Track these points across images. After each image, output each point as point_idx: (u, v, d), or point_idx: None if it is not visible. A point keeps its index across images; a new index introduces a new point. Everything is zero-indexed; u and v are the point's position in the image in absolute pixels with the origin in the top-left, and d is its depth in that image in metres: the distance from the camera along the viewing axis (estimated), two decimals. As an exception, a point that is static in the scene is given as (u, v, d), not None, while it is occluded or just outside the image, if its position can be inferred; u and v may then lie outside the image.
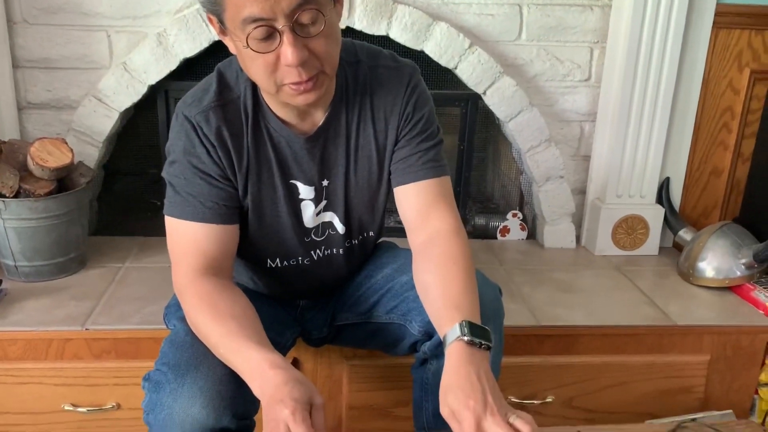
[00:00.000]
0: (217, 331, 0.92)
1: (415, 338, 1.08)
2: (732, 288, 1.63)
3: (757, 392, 1.56)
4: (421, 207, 1.05)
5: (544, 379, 1.46)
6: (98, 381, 1.35)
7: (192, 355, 0.93)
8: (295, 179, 1.05)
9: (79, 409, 1.34)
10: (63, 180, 1.51)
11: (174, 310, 1.08)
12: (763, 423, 1.53)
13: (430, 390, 1.08)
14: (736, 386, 1.54)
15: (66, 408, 1.34)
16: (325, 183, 1.06)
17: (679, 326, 1.48)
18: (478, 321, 0.89)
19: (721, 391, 1.54)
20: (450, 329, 0.86)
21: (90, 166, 1.61)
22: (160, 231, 1.01)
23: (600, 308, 1.53)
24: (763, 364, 1.54)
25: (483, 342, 0.85)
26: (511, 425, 0.78)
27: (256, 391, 0.86)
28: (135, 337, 1.34)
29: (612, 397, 1.49)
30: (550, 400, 1.47)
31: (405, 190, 1.06)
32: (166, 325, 1.10)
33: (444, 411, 0.82)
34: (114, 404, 1.36)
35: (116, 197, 1.87)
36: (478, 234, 1.93)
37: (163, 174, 1.01)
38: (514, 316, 1.46)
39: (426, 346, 1.06)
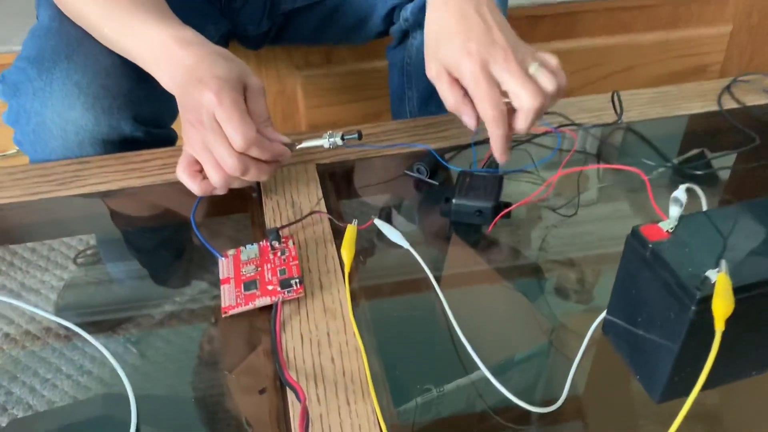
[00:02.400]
0: (95, 2, 0.62)
1: (391, 3, 0.80)
2: (760, -56, 1.34)
3: (777, 67, 1.35)
4: None
5: (539, 71, 1.22)
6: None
7: (60, 42, 0.64)
8: None
9: (-25, 159, 1.09)
10: None
11: (44, -1, 0.77)
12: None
13: (413, 73, 0.82)
14: (756, 62, 1.33)
15: (-43, 159, 1.09)
16: None
17: (699, -9, 1.21)
18: None
19: (740, 69, 1.33)
20: None
21: None
22: None
23: (604, -20, 1.24)
24: (790, 32, 1.31)
25: None
26: (531, 78, 0.54)
27: (165, 82, 0.59)
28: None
29: (617, 85, 1.25)
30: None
31: None
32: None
33: (431, 70, 0.57)
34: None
35: None
36: None
37: None
38: (501, -3, 1.17)
39: (407, 11, 0.78)
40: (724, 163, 0.64)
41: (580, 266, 0.55)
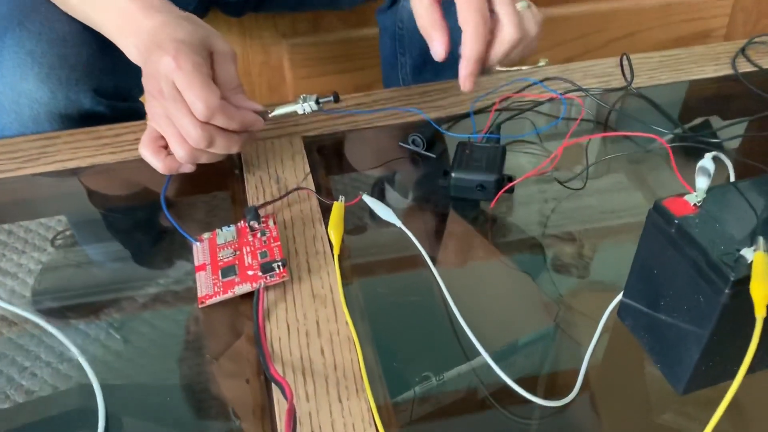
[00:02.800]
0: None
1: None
2: None
3: (783, 32, 1.30)
4: None
5: (537, 38, 1.17)
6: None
7: (13, 7, 0.58)
8: None
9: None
10: None
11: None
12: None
13: (406, 37, 0.77)
14: (762, 26, 1.28)
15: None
16: None
17: (705, -49, 1.16)
18: None
19: (744, 34, 1.28)
20: None
21: None
22: None
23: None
24: (797, -6, 1.26)
25: None
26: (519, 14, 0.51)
27: (131, 52, 0.53)
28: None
29: (619, 51, 1.22)
30: (542, 64, 1.18)
31: None
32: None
33: None
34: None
35: None
36: None
37: None
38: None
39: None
40: (741, 130, 0.60)
41: (590, 244, 0.51)
